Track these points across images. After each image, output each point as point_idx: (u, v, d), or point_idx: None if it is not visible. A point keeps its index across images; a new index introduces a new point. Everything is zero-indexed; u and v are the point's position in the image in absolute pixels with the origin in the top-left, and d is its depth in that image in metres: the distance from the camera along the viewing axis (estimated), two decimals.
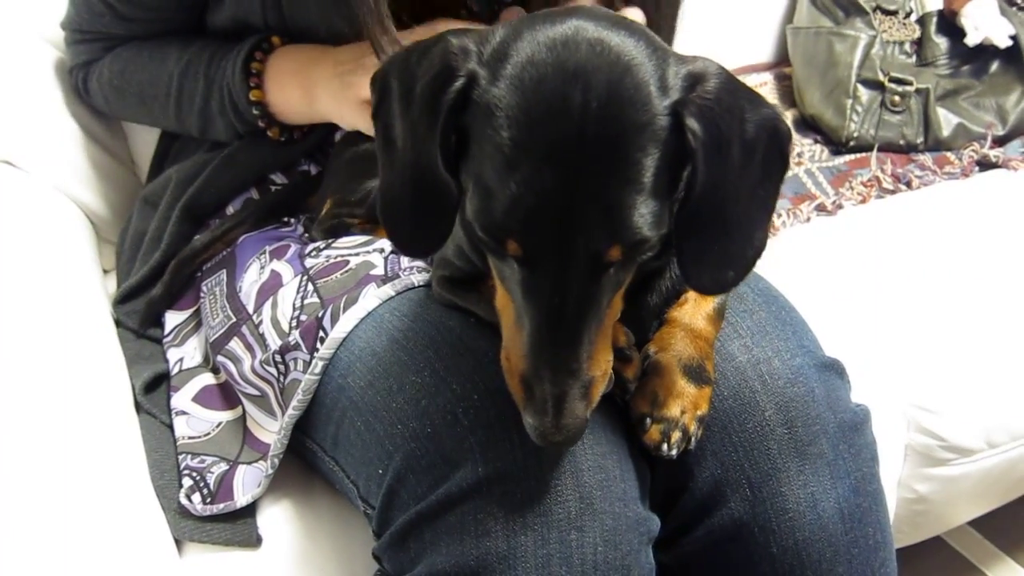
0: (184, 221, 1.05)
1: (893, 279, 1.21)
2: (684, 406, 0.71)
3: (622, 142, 0.56)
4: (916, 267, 1.22)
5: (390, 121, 0.65)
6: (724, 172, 0.59)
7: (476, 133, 0.59)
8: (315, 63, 0.96)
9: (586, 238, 0.57)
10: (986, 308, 1.18)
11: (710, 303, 0.76)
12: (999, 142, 1.48)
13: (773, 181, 0.63)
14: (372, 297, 0.80)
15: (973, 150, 1.45)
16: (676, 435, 0.70)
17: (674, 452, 0.70)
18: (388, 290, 0.81)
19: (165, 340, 1.02)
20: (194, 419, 0.93)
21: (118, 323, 1.07)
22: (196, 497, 0.85)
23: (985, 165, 1.45)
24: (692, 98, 0.58)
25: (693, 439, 0.71)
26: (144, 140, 1.25)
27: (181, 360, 0.99)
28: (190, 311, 1.04)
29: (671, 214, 0.61)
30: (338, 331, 0.80)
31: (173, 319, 1.03)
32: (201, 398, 0.96)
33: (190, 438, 0.91)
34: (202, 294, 1.01)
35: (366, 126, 0.91)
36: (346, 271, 0.86)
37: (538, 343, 0.60)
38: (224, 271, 1.01)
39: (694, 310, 0.75)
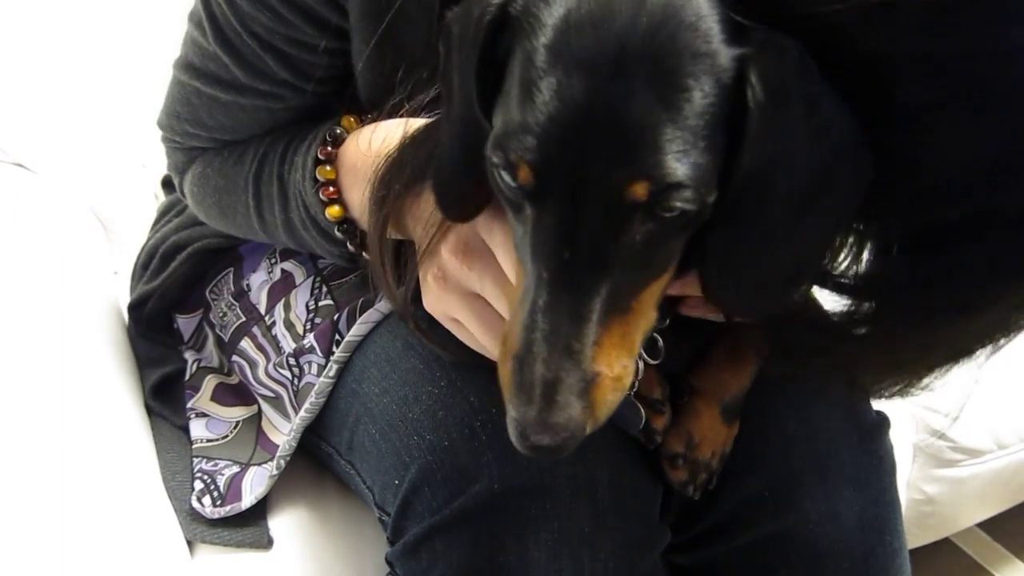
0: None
1: None
2: (715, 449, 0.71)
3: (671, 62, 0.47)
4: None
5: (449, 75, 0.56)
6: (779, 154, 0.49)
7: (512, 52, 0.50)
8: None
9: (607, 165, 0.47)
10: None
11: (754, 332, 0.70)
12: None
13: (840, 202, 0.51)
14: (387, 301, 0.80)
15: None
16: (702, 477, 0.70)
17: (698, 495, 0.71)
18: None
19: (185, 344, 1.02)
20: (213, 420, 0.93)
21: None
22: (207, 500, 0.86)
23: None
24: (762, 57, 0.48)
25: (714, 477, 0.71)
26: (157, 143, 1.25)
27: (199, 360, 0.98)
28: (200, 311, 1.03)
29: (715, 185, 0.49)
30: (354, 334, 0.80)
31: (187, 324, 1.02)
32: (218, 396, 0.95)
33: (208, 440, 0.91)
34: (210, 295, 1.01)
35: (438, 317, 0.70)
36: (359, 273, 0.86)
37: (538, 311, 0.50)
38: (231, 269, 1.00)
39: (737, 344, 0.71)
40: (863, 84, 0.48)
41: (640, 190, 0.47)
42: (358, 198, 0.72)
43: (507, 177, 0.50)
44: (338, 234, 0.76)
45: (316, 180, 0.74)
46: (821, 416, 0.75)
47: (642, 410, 0.69)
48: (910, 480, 1.15)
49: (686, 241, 0.52)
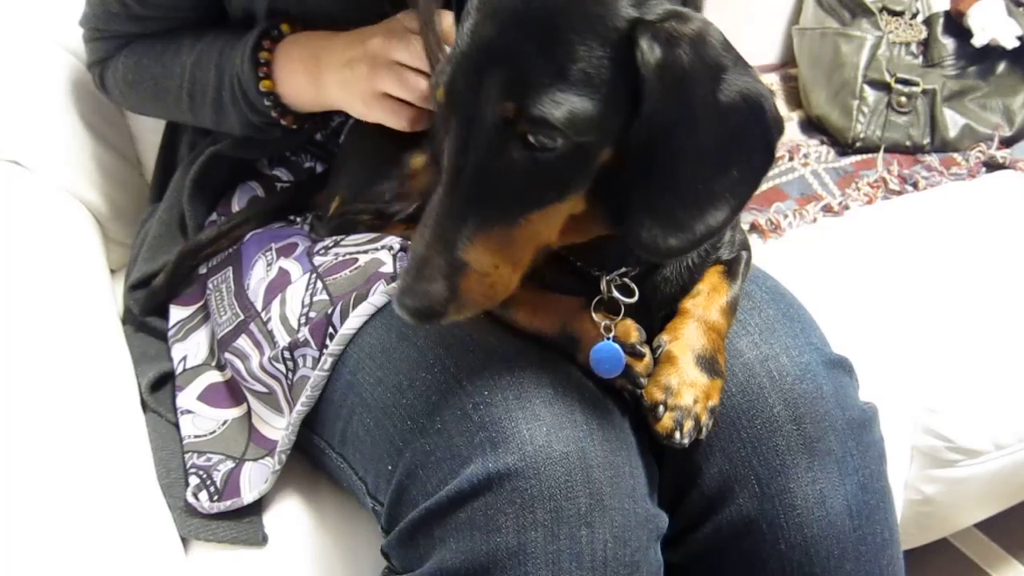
0: (195, 198, 1.05)
1: (899, 280, 1.21)
2: (697, 395, 0.71)
3: (560, 18, 0.58)
4: (922, 268, 1.22)
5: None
6: (683, 118, 0.58)
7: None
8: (323, 49, 0.93)
9: (491, 92, 0.58)
10: (993, 309, 1.18)
11: (723, 295, 0.76)
12: (1006, 143, 1.47)
13: (749, 166, 0.61)
14: (381, 294, 0.80)
15: (980, 151, 1.45)
16: (689, 424, 0.70)
17: (686, 441, 0.70)
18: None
19: (169, 334, 1.02)
20: (200, 418, 0.93)
21: (126, 314, 1.07)
22: (203, 495, 0.85)
23: (992, 166, 1.44)
24: (662, 25, 0.58)
25: (704, 429, 0.72)
26: (151, 140, 1.25)
27: (185, 358, 0.99)
28: (195, 307, 1.03)
29: (618, 141, 0.60)
30: (348, 327, 0.80)
31: (177, 313, 1.03)
32: (206, 396, 0.95)
33: (196, 436, 0.91)
34: (208, 291, 1.01)
35: (375, 117, 0.90)
36: (355, 269, 0.86)
37: (433, 207, 0.61)
38: (230, 268, 1.01)
39: (707, 302, 0.75)
40: None
41: (509, 108, 0.58)
42: (291, 81, 0.95)
43: (435, 99, 0.63)
44: (267, 102, 0.96)
45: (257, 61, 0.94)
46: (808, 400, 0.75)
47: (622, 352, 0.71)
48: (908, 480, 1.15)
49: (586, 180, 0.62)
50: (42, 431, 0.79)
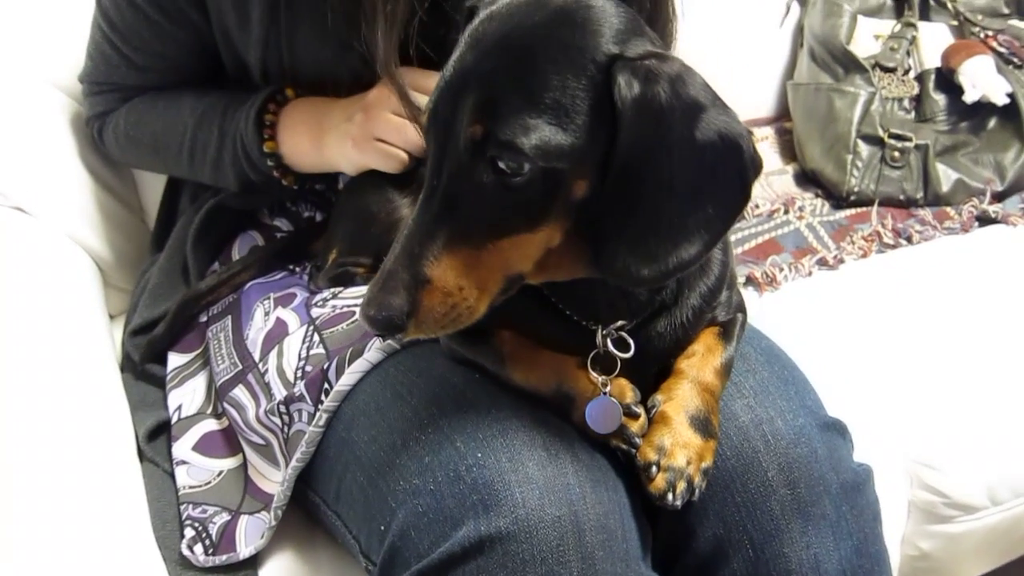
0: (198, 247, 1.07)
1: (894, 335, 1.21)
2: (690, 456, 0.71)
3: (537, 49, 0.60)
4: (917, 323, 1.23)
5: None
6: (659, 153, 0.59)
7: None
8: (325, 114, 0.98)
9: (465, 117, 0.60)
10: (988, 364, 1.18)
11: (718, 357, 0.76)
12: (998, 197, 1.49)
13: (724, 204, 0.62)
14: (377, 351, 0.81)
15: (972, 205, 1.46)
16: (681, 485, 0.70)
17: (679, 502, 0.70)
18: (393, 343, 0.82)
19: (167, 380, 1.03)
20: (194, 468, 0.93)
21: (125, 361, 1.08)
22: (198, 548, 0.85)
23: (985, 220, 1.46)
24: (641, 63, 0.59)
25: (697, 490, 0.71)
26: (154, 188, 1.27)
27: (180, 407, 0.99)
28: (193, 354, 1.04)
29: (592, 169, 0.61)
30: (343, 384, 0.80)
31: (175, 360, 1.04)
32: (201, 446, 0.96)
33: (191, 487, 0.91)
34: (208, 338, 1.02)
35: (368, 160, 0.95)
36: (352, 322, 0.87)
37: (408, 224, 0.63)
38: (229, 317, 1.01)
39: (702, 362, 0.75)
40: None
41: (476, 131, 0.60)
42: (294, 143, 0.99)
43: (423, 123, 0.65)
44: (269, 163, 1.00)
45: (262, 123, 0.99)
46: (802, 464, 0.75)
47: (618, 405, 0.72)
48: (905, 536, 1.14)
49: (558, 211, 0.62)
50: (38, 478, 0.79)
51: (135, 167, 1.26)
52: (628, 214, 0.61)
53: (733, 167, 0.61)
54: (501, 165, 0.60)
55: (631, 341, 0.73)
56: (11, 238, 1.13)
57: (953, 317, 1.24)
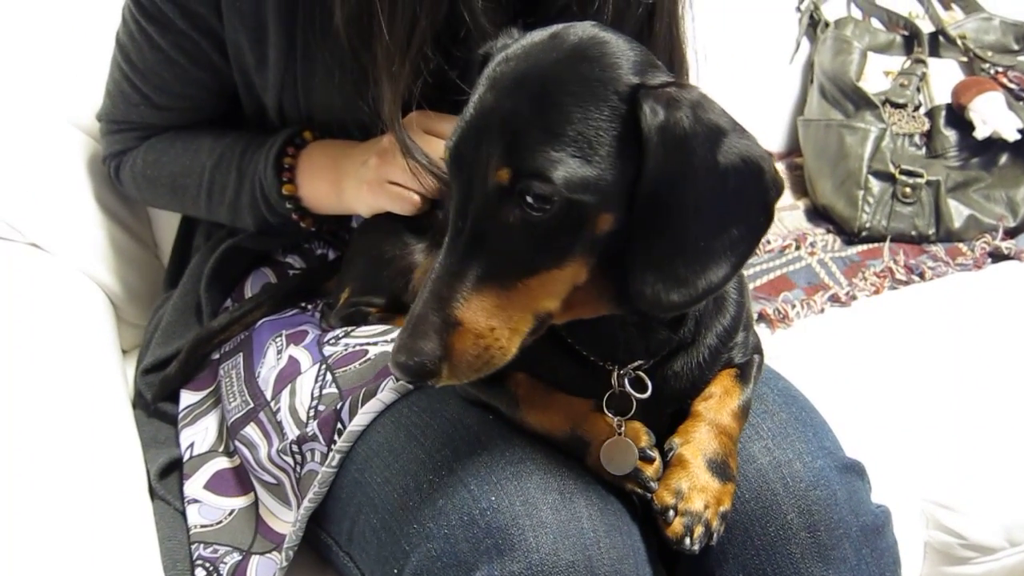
0: (212, 286, 1.08)
1: (909, 373, 1.20)
2: (708, 500, 0.70)
3: (557, 84, 0.60)
4: (931, 361, 1.22)
5: None
6: (684, 178, 0.60)
7: None
8: (343, 157, 0.99)
9: (488, 156, 0.60)
10: (1004, 403, 1.17)
11: (736, 399, 0.76)
12: (1010, 234, 1.49)
13: (749, 225, 0.63)
14: (390, 391, 0.81)
15: (985, 242, 1.46)
16: (699, 529, 0.69)
17: (696, 547, 0.69)
18: (407, 384, 0.82)
19: (179, 418, 1.03)
20: (206, 507, 0.93)
21: (137, 398, 1.08)
22: None
23: (997, 256, 1.45)
24: (664, 90, 0.60)
25: (715, 535, 0.71)
26: (168, 225, 1.28)
27: (192, 445, 0.99)
28: (205, 392, 1.04)
29: (621, 200, 0.61)
30: (356, 424, 0.80)
31: (187, 398, 1.03)
32: (213, 484, 0.95)
33: (203, 526, 0.91)
34: (220, 376, 1.02)
35: (382, 203, 0.96)
36: (364, 361, 0.87)
37: (434, 267, 0.63)
38: (241, 354, 1.02)
39: (719, 405, 0.75)
40: None
41: (504, 175, 0.60)
42: (312, 187, 1.00)
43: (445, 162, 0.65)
44: (288, 205, 1.01)
45: (281, 167, 0.99)
46: (822, 507, 0.75)
47: (635, 447, 0.71)
48: None
49: (585, 247, 0.62)
50: (48, 516, 0.79)
51: (152, 206, 1.26)
52: (655, 241, 0.62)
53: (756, 189, 0.62)
54: (529, 200, 0.59)
55: (648, 381, 0.73)
56: (26, 274, 1.13)
57: (968, 354, 1.23)
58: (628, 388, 0.73)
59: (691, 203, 0.60)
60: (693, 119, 0.59)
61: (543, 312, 0.64)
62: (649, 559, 0.74)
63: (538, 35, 0.64)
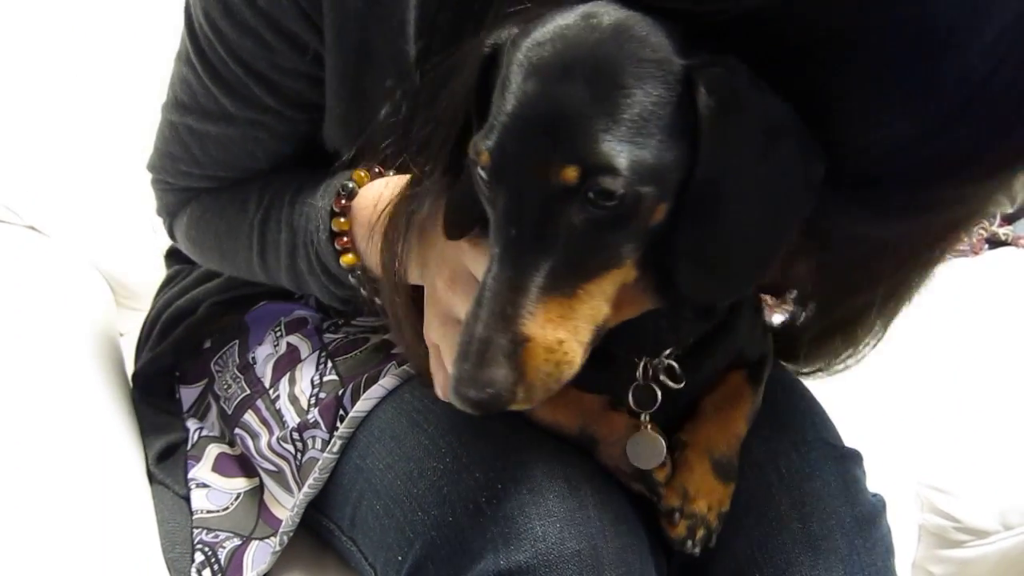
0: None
1: (904, 358, 1.21)
2: (711, 503, 0.71)
3: (613, 65, 0.54)
4: (928, 346, 1.23)
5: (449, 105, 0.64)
6: (737, 162, 0.55)
7: (497, 80, 0.58)
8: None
9: (546, 152, 0.53)
10: (999, 388, 1.18)
11: (747, 402, 0.75)
12: (1007, 220, 1.49)
13: (794, 207, 0.58)
14: (393, 376, 0.81)
15: (982, 228, 1.46)
16: (701, 532, 0.70)
17: (697, 549, 0.70)
18: (409, 369, 0.82)
19: (186, 413, 1.02)
20: (214, 492, 0.92)
21: (134, 384, 1.07)
22: (207, 573, 0.85)
23: (995, 243, 1.46)
24: (715, 72, 0.54)
25: (714, 536, 0.71)
26: None
27: (200, 428, 0.98)
28: (204, 382, 1.03)
29: (671, 190, 0.56)
30: (359, 410, 0.80)
31: (189, 394, 1.02)
32: (220, 466, 0.95)
33: (208, 512, 0.91)
34: (213, 366, 1.01)
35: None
36: (365, 349, 0.87)
37: (486, 281, 0.56)
38: (236, 342, 1.00)
39: (730, 406, 0.74)
40: (788, 76, 0.55)
41: (571, 173, 0.53)
42: (371, 249, 0.76)
43: (478, 168, 0.56)
44: (352, 280, 0.80)
45: (332, 232, 0.79)
46: (815, 498, 0.75)
47: (663, 440, 0.70)
48: (916, 561, 1.14)
49: (639, 242, 0.57)
50: (46, 501, 0.79)
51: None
52: (706, 231, 0.57)
53: (804, 170, 0.57)
54: (593, 197, 0.53)
55: (679, 370, 0.70)
56: (24, 256, 1.13)
57: (963, 340, 1.24)
58: (663, 378, 0.70)
59: (742, 189, 0.56)
60: (746, 101, 0.54)
61: (601, 318, 0.59)
62: (652, 549, 0.74)
63: (563, 17, 0.57)
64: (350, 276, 0.80)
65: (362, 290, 0.81)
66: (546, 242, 0.55)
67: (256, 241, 0.85)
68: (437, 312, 0.71)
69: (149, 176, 0.93)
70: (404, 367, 0.82)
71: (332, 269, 0.81)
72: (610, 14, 0.56)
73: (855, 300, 0.70)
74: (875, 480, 0.83)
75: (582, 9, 0.57)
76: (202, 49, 0.78)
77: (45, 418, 0.88)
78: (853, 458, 0.80)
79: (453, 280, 0.69)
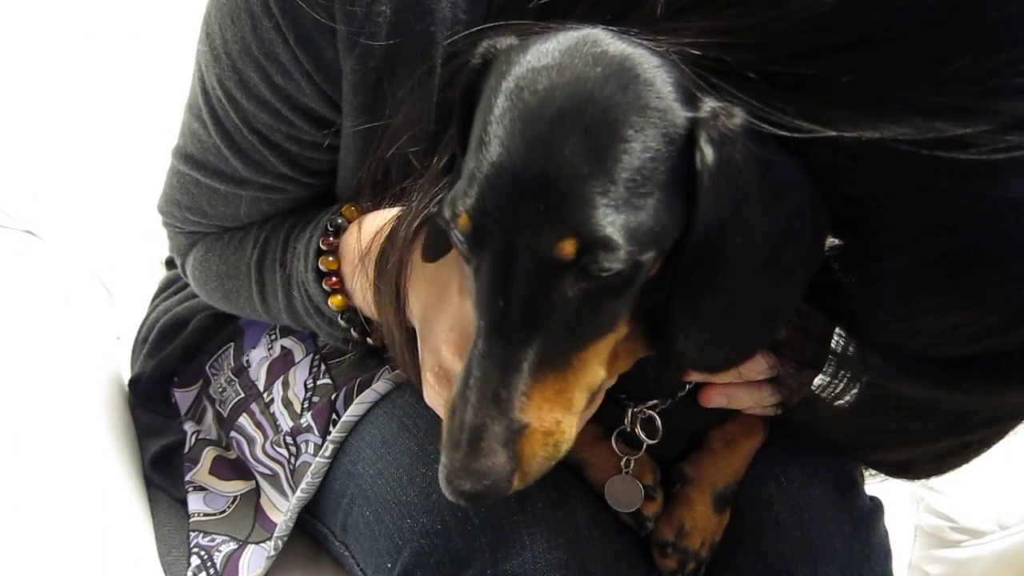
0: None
1: None
2: (704, 538, 0.71)
3: (616, 112, 0.47)
4: None
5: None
6: (736, 221, 0.50)
7: (479, 99, 0.52)
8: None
9: (537, 219, 0.47)
10: None
11: (756, 438, 0.74)
12: None
13: (801, 264, 0.53)
14: (385, 380, 0.81)
15: None
16: (691, 566, 0.70)
17: None
18: (401, 374, 0.81)
19: (183, 416, 1.02)
20: (211, 495, 0.92)
21: (130, 388, 1.07)
22: None
23: None
24: (714, 124, 0.49)
25: (703, 567, 0.72)
26: None
27: (197, 431, 0.99)
28: (199, 385, 1.03)
29: (663, 249, 0.51)
30: (351, 414, 0.80)
31: (185, 398, 1.02)
32: (216, 469, 0.95)
33: (205, 515, 0.91)
34: (210, 370, 1.01)
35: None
36: (357, 353, 0.87)
37: (473, 358, 0.51)
38: (231, 344, 1.00)
39: (739, 441, 0.73)
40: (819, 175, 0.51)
41: (568, 248, 0.48)
42: (360, 288, 0.73)
43: (453, 228, 0.51)
44: (341, 322, 0.78)
45: (319, 271, 0.75)
46: (813, 505, 0.75)
47: (641, 488, 0.69)
48: (912, 561, 1.14)
49: (632, 301, 0.53)
50: (44, 503, 0.79)
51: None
52: (702, 293, 0.52)
53: (806, 224, 0.52)
54: (592, 270, 0.48)
55: (660, 425, 0.69)
56: (21, 261, 1.13)
57: None
58: (638, 430, 0.69)
59: (742, 248, 0.51)
60: (744, 153, 0.49)
61: (597, 384, 0.55)
62: (642, 559, 0.74)
63: (564, 38, 0.50)
64: (340, 318, 0.77)
65: (353, 332, 0.78)
66: (538, 316, 0.50)
67: (255, 282, 0.82)
68: (443, 381, 0.65)
69: (161, 218, 0.90)
70: (397, 371, 0.82)
71: (324, 311, 0.78)
72: (615, 45, 0.50)
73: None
74: (872, 481, 0.83)
75: (581, 32, 0.51)
76: (215, 110, 0.74)
77: (41, 422, 0.88)
78: (851, 460, 0.80)
79: (460, 344, 0.63)
